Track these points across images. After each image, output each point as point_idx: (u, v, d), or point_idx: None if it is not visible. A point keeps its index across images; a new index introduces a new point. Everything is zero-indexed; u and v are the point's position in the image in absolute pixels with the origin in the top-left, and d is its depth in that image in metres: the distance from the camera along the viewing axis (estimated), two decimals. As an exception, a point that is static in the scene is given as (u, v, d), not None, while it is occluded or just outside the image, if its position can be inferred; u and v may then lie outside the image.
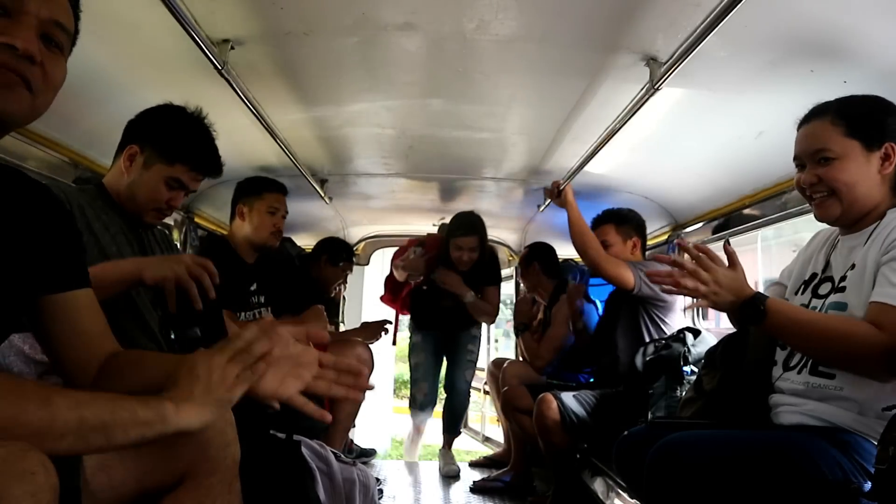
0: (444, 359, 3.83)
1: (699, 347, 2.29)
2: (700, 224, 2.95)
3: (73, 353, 0.98)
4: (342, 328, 4.24)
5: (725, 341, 1.72)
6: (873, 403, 1.26)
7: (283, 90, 2.11)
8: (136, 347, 1.39)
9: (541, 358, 3.33)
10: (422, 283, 3.65)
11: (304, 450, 1.64)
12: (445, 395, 3.83)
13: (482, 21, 1.63)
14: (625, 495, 2.06)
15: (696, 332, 2.38)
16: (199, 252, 2.68)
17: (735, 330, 1.68)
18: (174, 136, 1.61)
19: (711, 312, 3.05)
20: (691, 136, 2.32)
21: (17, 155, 1.78)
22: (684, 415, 1.73)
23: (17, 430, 0.69)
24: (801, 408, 1.37)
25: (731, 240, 2.70)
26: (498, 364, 3.69)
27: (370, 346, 2.98)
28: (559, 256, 3.66)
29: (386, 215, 4.22)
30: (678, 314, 2.71)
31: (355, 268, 4.00)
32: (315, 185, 3.14)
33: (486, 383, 4.47)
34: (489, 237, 3.51)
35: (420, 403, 3.77)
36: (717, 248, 2.19)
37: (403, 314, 3.91)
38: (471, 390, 3.88)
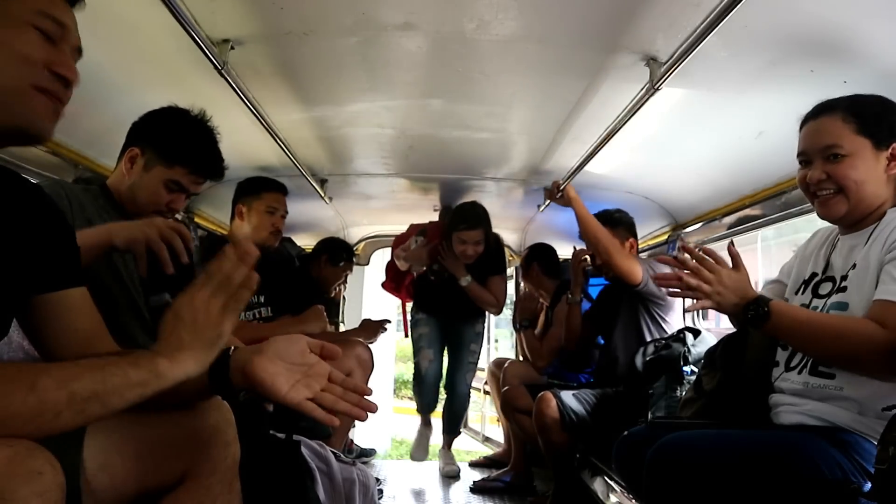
0: (447, 348, 3.74)
1: (699, 347, 2.29)
2: (700, 224, 2.95)
3: (68, 352, 0.96)
4: (342, 328, 4.24)
5: (725, 341, 1.72)
6: (873, 403, 1.26)
7: (283, 90, 2.10)
8: (136, 346, 1.38)
9: (543, 357, 3.33)
10: (424, 272, 3.59)
11: (303, 450, 1.64)
12: (446, 397, 3.82)
13: (482, 21, 1.63)
14: (624, 495, 2.06)
15: (696, 332, 2.39)
16: (199, 252, 2.68)
17: (735, 330, 1.68)
18: (174, 139, 1.61)
19: (711, 312, 3.05)
20: (691, 136, 2.32)
21: (18, 155, 1.77)
22: (684, 415, 1.73)
23: (9, 422, 0.68)
24: (801, 408, 1.37)
25: (731, 240, 2.70)
26: (498, 364, 3.69)
27: (370, 346, 2.98)
28: (560, 256, 3.65)
29: (386, 215, 4.21)
30: (678, 313, 2.72)
31: (355, 268, 3.98)
32: (315, 185, 3.14)
33: (486, 383, 4.46)
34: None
35: (425, 371, 3.60)
36: (717, 247, 2.19)
37: (408, 301, 3.84)
38: (471, 392, 3.87)
